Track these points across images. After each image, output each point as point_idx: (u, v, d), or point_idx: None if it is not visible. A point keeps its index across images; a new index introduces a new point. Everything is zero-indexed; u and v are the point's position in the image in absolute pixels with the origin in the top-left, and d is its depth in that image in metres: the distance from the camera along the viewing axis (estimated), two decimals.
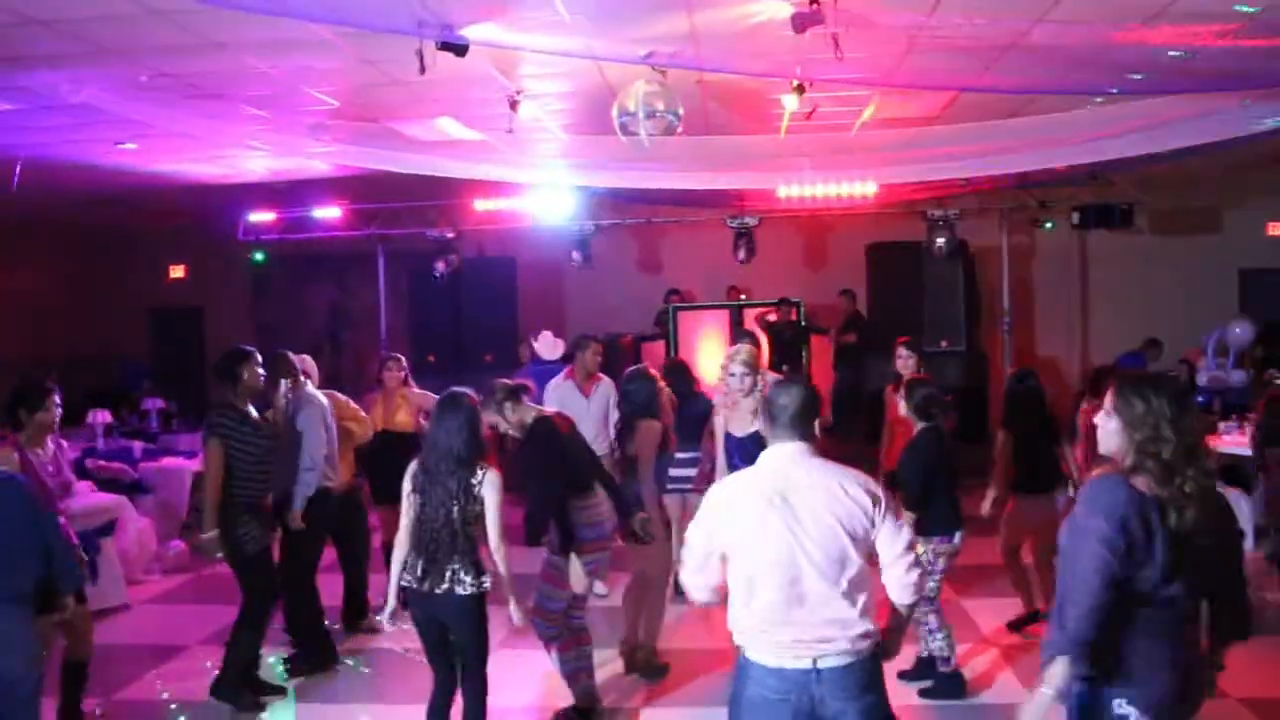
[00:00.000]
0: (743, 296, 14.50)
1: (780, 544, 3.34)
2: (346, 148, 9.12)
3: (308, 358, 7.27)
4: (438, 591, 4.76)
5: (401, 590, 4.94)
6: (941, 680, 6.09)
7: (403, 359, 8.29)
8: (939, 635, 6.06)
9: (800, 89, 6.91)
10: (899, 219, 13.38)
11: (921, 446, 6.07)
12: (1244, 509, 9.10)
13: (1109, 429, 3.23)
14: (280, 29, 6.32)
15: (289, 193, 12.81)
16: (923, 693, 6.08)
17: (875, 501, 3.43)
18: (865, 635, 3.35)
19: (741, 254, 13.04)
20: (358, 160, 9.58)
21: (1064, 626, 3.08)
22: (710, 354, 13.53)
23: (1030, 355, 14.90)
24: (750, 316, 13.49)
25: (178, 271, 16.63)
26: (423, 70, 6.00)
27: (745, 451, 6.11)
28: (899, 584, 3.55)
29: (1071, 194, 12.68)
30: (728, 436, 6.62)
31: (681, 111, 6.75)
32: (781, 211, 12.76)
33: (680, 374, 7.59)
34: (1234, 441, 9.68)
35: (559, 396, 7.96)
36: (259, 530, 6.20)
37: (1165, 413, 3.12)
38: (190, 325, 16.33)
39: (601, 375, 8.19)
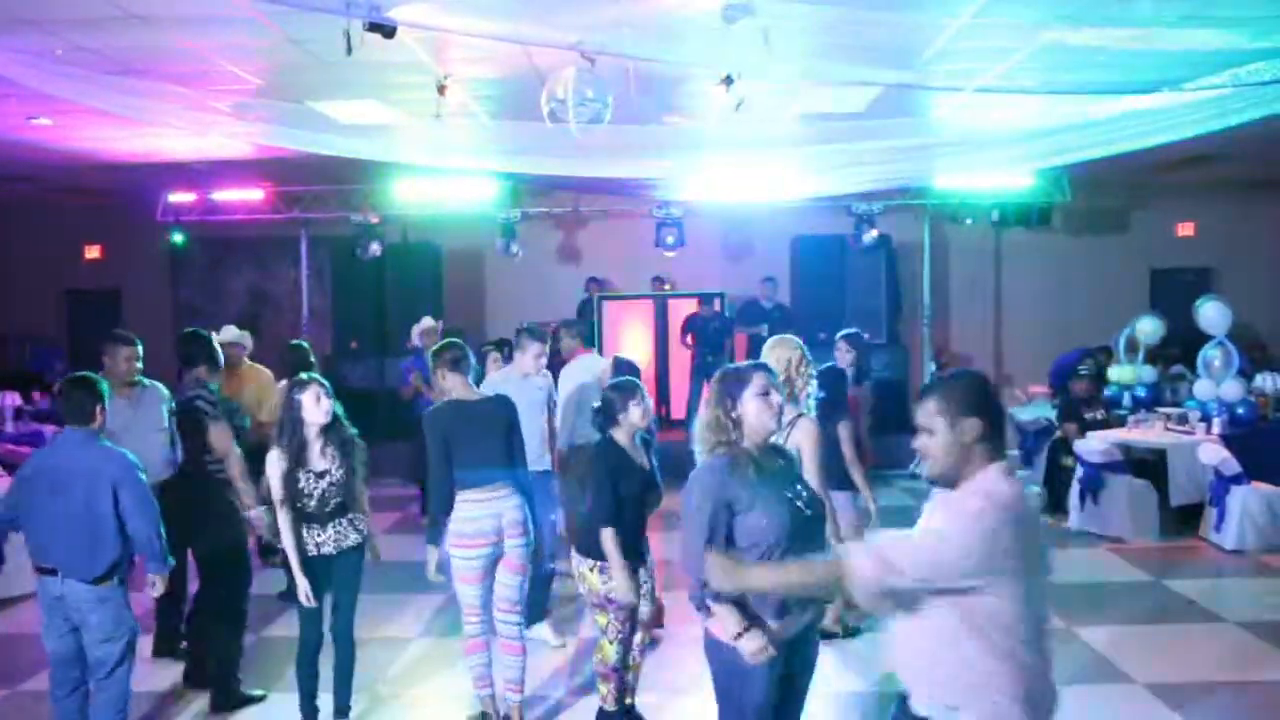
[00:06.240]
0: (667, 287, 14.55)
1: None
2: (269, 128, 8.97)
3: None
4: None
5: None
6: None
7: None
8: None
9: (729, 80, 6.93)
10: (823, 212, 13.53)
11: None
12: (1152, 501, 9.40)
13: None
14: (204, 4, 6.21)
15: (210, 173, 12.59)
16: None
17: None
18: None
19: (668, 244, 13.07)
20: (280, 141, 9.42)
21: None
22: (635, 345, 13.59)
23: (946, 349, 15.17)
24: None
25: (94, 252, 16.22)
26: (349, 51, 5.92)
27: None
28: None
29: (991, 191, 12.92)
30: None
31: (611, 100, 6.74)
32: (706, 203, 12.81)
33: None
34: (1143, 435, 9.95)
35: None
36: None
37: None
38: (107, 307, 15.92)
39: None
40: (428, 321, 10.26)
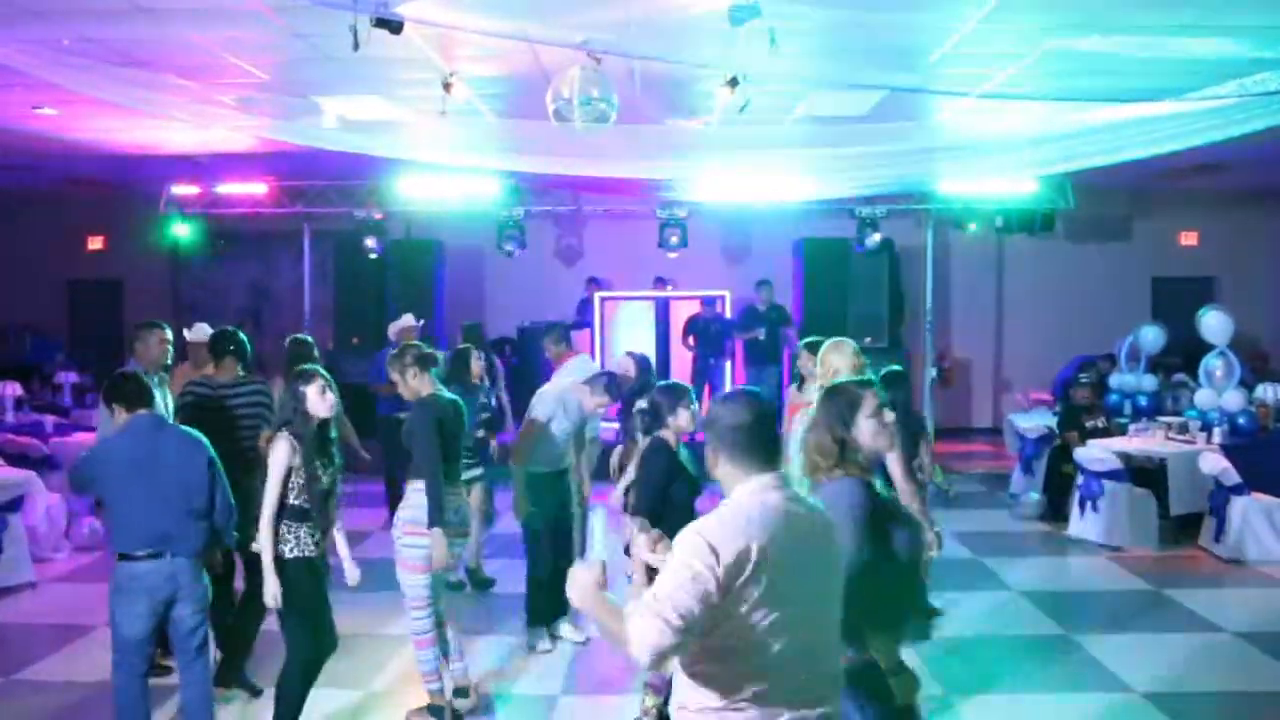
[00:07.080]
0: (669, 288, 14.53)
1: None
2: (274, 122, 8.97)
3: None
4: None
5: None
6: None
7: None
8: None
9: (734, 82, 6.92)
10: (827, 215, 13.51)
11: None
12: (1152, 510, 9.38)
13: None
14: None
15: (213, 166, 12.58)
16: None
17: None
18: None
19: (672, 244, 13.05)
20: (285, 136, 9.42)
21: None
22: (636, 345, 13.53)
23: (948, 354, 15.17)
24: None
25: (96, 243, 16.25)
26: (356, 46, 5.91)
27: None
28: None
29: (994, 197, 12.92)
30: None
31: (616, 100, 6.74)
32: (710, 204, 12.80)
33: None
34: (1144, 443, 9.92)
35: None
36: None
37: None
38: (108, 298, 15.94)
39: None
40: (408, 319, 10.13)
